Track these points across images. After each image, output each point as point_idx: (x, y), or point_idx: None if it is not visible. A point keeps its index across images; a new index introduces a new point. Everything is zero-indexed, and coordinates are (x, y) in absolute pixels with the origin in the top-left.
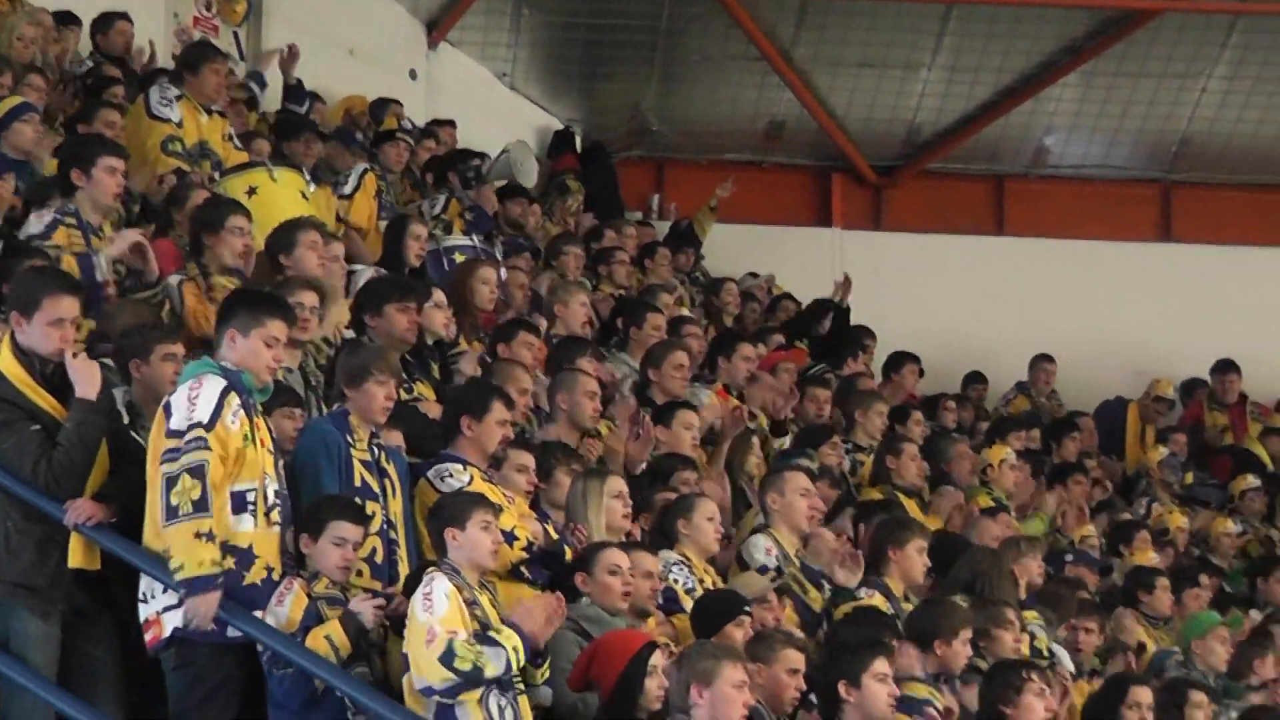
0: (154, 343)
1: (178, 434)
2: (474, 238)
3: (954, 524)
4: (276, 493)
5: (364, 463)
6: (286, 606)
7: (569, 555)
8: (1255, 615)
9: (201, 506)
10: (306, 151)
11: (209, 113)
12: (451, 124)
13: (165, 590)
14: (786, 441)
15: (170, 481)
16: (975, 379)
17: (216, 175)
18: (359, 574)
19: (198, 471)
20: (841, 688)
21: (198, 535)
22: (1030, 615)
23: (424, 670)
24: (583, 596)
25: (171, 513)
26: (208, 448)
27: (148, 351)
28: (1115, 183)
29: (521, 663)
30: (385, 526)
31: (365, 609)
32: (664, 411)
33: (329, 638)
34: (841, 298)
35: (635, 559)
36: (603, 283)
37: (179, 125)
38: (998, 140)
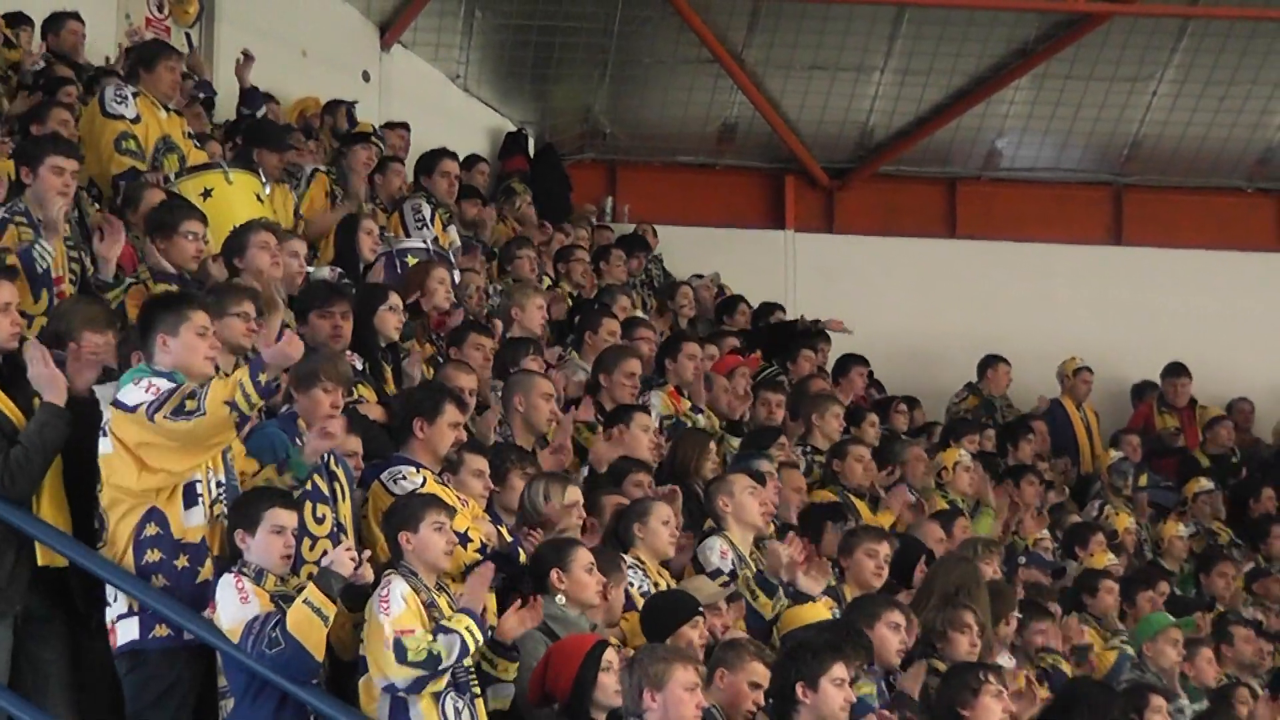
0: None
1: (146, 401)
2: (425, 240)
3: (903, 523)
4: (219, 483)
5: (313, 466)
6: (254, 604)
7: (522, 558)
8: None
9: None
10: (276, 163)
11: (167, 110)
12: (405, 127)
13: (116, 598)
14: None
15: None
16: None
17: (175, 174)
18: (310, 577)
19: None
20: (799, 689)
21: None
22: None
23: (383, 667)
24: (555, 595)
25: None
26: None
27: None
28: (1066, 185)
29: (479, 641)
30: (335, 530)
31: (339, 557)
32: (619, 414)
33: (308, 602)
34: (811, 322)
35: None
36: (561, 281)
37: (135, 121)
38: (950, 143)
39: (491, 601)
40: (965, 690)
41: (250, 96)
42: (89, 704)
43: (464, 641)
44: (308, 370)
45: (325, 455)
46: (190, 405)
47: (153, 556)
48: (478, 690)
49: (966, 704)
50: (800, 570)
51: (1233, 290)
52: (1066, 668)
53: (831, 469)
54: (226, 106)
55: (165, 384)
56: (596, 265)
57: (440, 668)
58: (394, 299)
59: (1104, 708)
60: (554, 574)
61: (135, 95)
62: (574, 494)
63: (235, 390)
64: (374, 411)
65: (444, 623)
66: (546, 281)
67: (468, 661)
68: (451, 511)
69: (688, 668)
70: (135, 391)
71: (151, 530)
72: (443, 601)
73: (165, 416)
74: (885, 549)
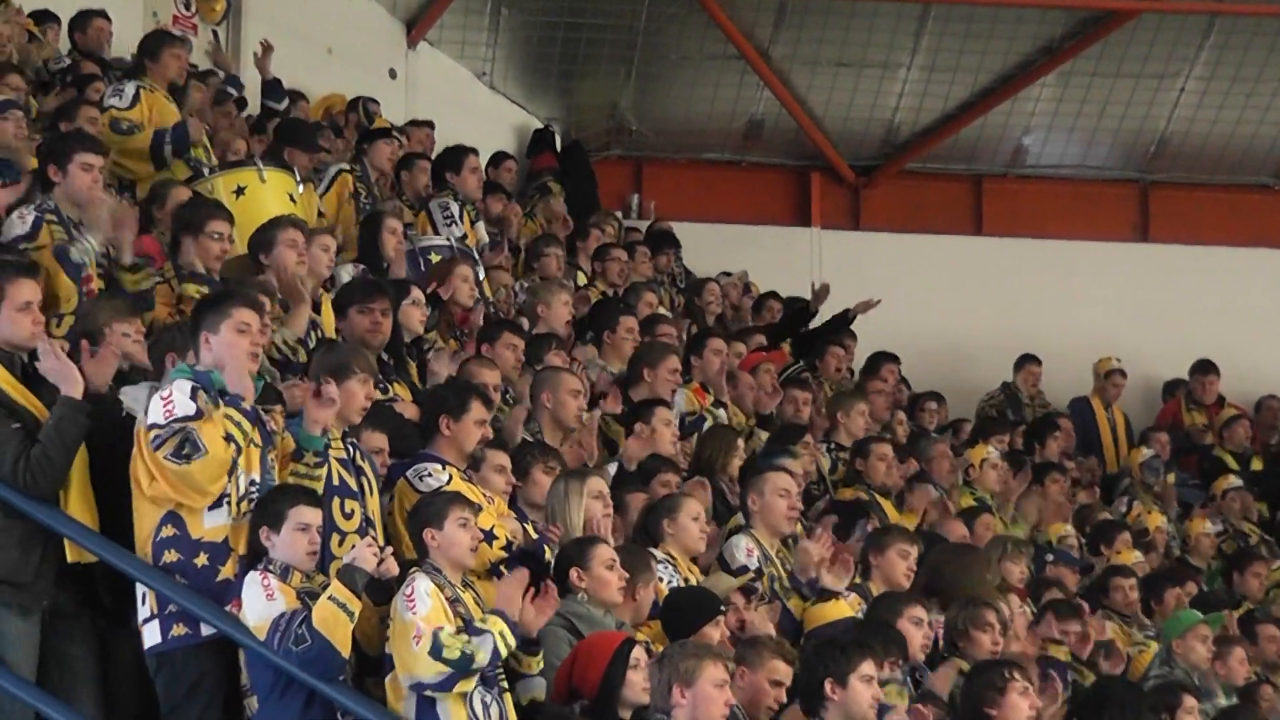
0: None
1: (160, 425)
2: (452, 237)
3: (930, 521)
4: (251, 482)
5: (340, 460)
6: (280, 601)
7: (548, 555)
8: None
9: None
10: (305, 163)
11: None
12: (430, 125)
13: (144, 601)
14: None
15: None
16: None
17: (206, 172)
18: (335, 573)
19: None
20: (827, 686)
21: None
22: None
23: (412, 666)
24: (577, 593)
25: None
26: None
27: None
28: (1092, 183)
29: (511, 646)
30: (364, 524)
31: (361, 552)
32: (642, 409)
33: (333, 598)
34: (814, 303)
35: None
36: (597, 280)
37: (130, 107)
38: (976, 140)
39: None
40: (991, 689)
41: (272, 89)
42: (117, 701)
43: (497, 648)
44: (339, 362)
45: (351, 450)
46: (188, 450)
47: (170, 557)
48: (506, 685)
49: (993, 703)
50: (825, 567)
51: (1259, 287)
52: (1062, 654)
53: (855, 467)
54: (250, 102)
55: (183, 400)
56: None
57: (472, 668)
58: (416, 293)
59: (1135, 706)
60: (574, 572)
61: (139, 89)
62: (596, 485)
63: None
64: (409, 410)
65: (478, 624)
66: (581, 278)
67: None
68: (477, 509)
69: (718, 665)
70: (156, 407)
71: (168, 532)
72: (468, 598)
73: (166, 457)
74: (916, 550)
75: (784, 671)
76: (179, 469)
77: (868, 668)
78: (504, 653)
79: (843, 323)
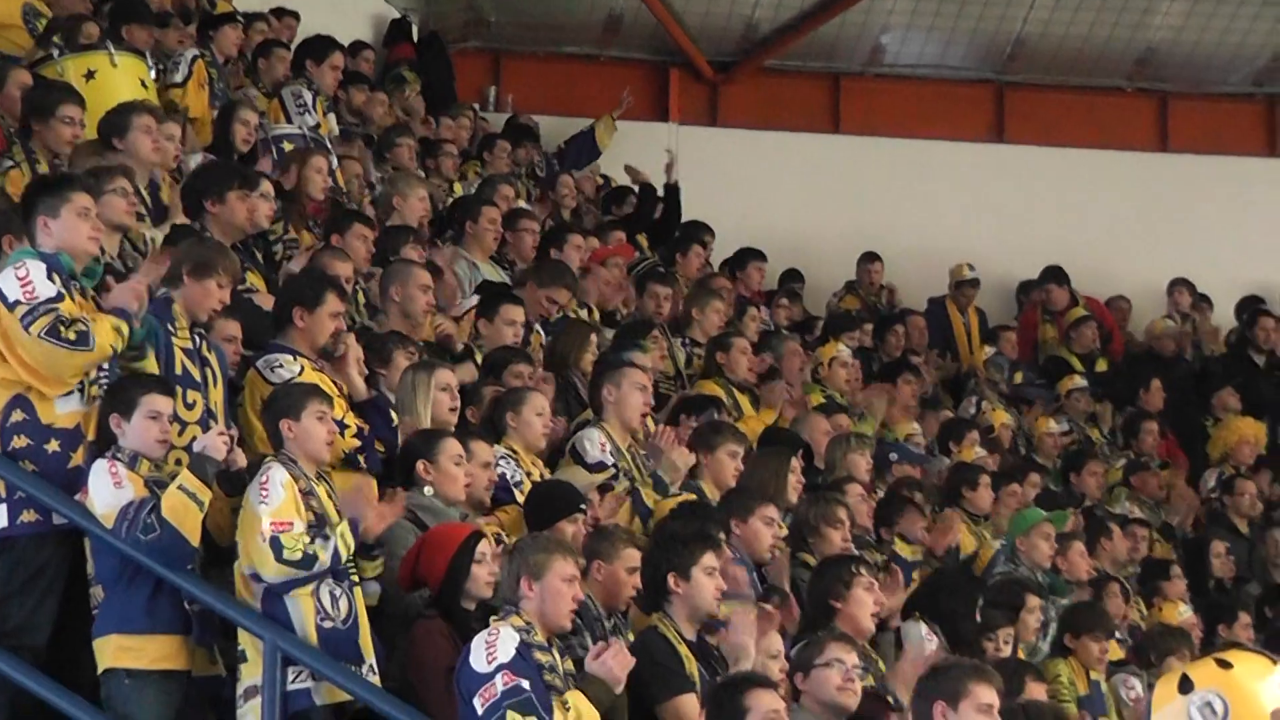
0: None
1: (24, 303)
2: (304, 127)
3: (785, 418)
4: (102, 368)
5: (185, 350)
6: (128, 489)
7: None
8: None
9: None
10: (146, 39)
11: None
12: (295, 16)
13: None
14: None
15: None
16: (792, 276)
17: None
18: (178, 464)
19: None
20: (671, 579)
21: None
22: None
23: (256, 560)
24: (422, 486)
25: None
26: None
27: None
28: (949, 83)
29: (351, 549)
30: (205, 415)
31: (212, 441)
32: (488, 304)
33: (183, 487)
34: (668, 178)
35: (474, 449)
36: (431, 175)
37: None
38: (834, 38)
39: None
40: (838, 583)
41: None
42: None
43: (338, 551)
44: (205, 260)
45: (197, 341)
46: (69, 334)
47: (19, 443)
48: (356, 579)
49: (839, 596)
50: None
51: (1113, 189)
52: (907, 552)
53: (715, 360)
54: None
55: (41, 279)
56: (480, 155)
57: (314, 570)
58: (266, 186)
59: (967, 595)
60: (420, 465)
61: None
62: (444, 378)
63: (119, 339)
64: (266, 301)
65: (327, 531)
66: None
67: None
68: (333, 402)
69: (568, 560)
70: (11, 283)
71: (17, 417)
72: (322, 491)
73: (41, 335)
74: (744, 450)
75: (638, 558)
76: (57, 351)
77: (710, 559)
78: (344, 555)
79: (673, 200)
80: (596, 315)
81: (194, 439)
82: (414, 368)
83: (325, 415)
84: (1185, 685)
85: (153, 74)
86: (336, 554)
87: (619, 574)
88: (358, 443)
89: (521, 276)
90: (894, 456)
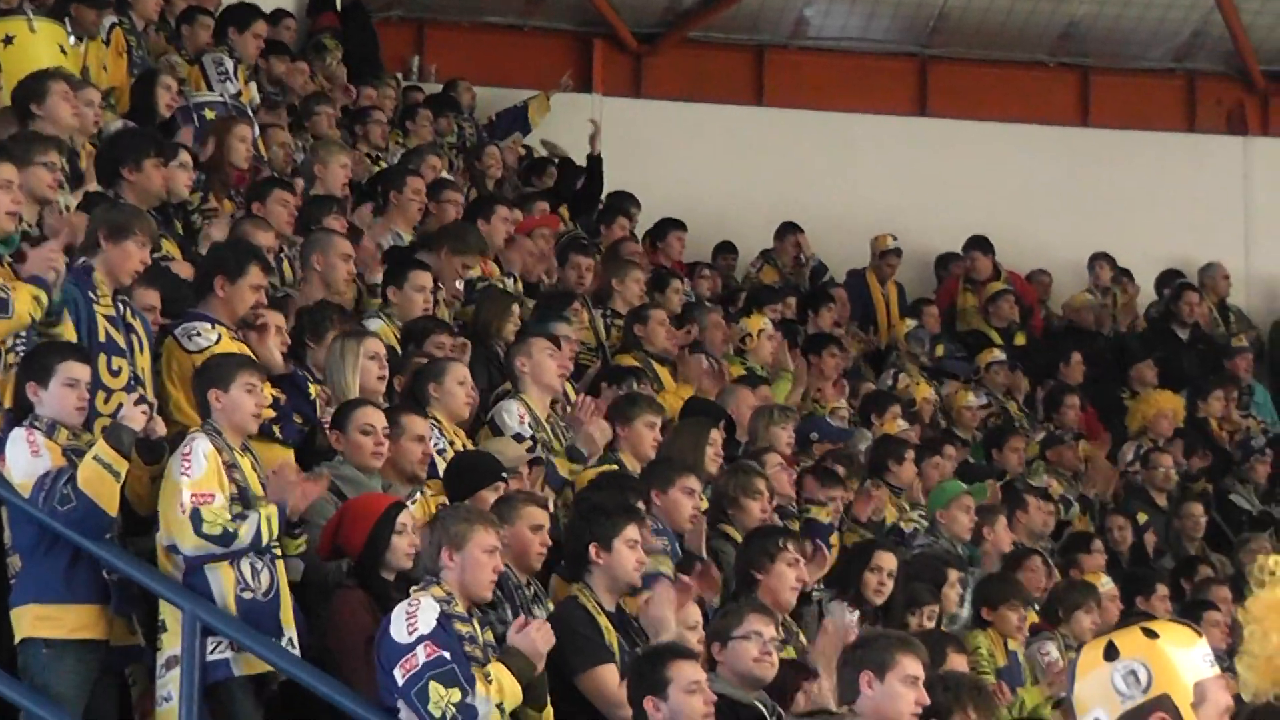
0: None
1: None
2: (225, 95)
3: (704, 390)
4: (18, 334)
5: (109, 318)
6: (45, 459)
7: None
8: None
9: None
10: (96, 20)
11: None
12: None
13: None
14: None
15: None
16: (726, 249)
17: None
18: (101, 431)
19: None
20: (592, 550)
21: None
22: None
23: (174, 532)
24: (336, 455)
25: None
26: None
27: None
28: (873, 56)
29: (275, 533)
30: (132, 382)
31: (130, 410)
32: (395, 272)
33: (98, 458)
34: (593, 149)
35: (407, 422)
36: (358, 143)
37: None
38: (758, 10)
39: None
40: (763, 555)
41: None
42: None
43: (260, 530)
44: (122, 223)
45: (121, 308)
46: None
47: None
48: (279, 552)
49: (762, 568)
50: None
51: (1034, 163)
52: (824, 516)
53: (634, 333)
54: None
55: None
56: (403, 125)
57: (232, 547)
58: (185, 156)
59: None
60: (333, 435)
61: None
62: (373, 347)
63: (37, 307)
64: (184, 270)
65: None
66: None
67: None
68: (264, 375)
69: (489, 530)
70: None
71: None
72: (246, 464)
73: None
74: (660, 420)
75: (540, 516)
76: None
77: (632, 531)
78: (265, 538)
79: (596, 171)
80: (520, 286)
81: (120, 406)
82: (342, 336)
83: (255, 388)
84: (1110, 653)
85: (72, 40)
86: (258, 535)
87: (524, 534)
88: (273, 413)
89: (435, 242)
90: (814, 436)
